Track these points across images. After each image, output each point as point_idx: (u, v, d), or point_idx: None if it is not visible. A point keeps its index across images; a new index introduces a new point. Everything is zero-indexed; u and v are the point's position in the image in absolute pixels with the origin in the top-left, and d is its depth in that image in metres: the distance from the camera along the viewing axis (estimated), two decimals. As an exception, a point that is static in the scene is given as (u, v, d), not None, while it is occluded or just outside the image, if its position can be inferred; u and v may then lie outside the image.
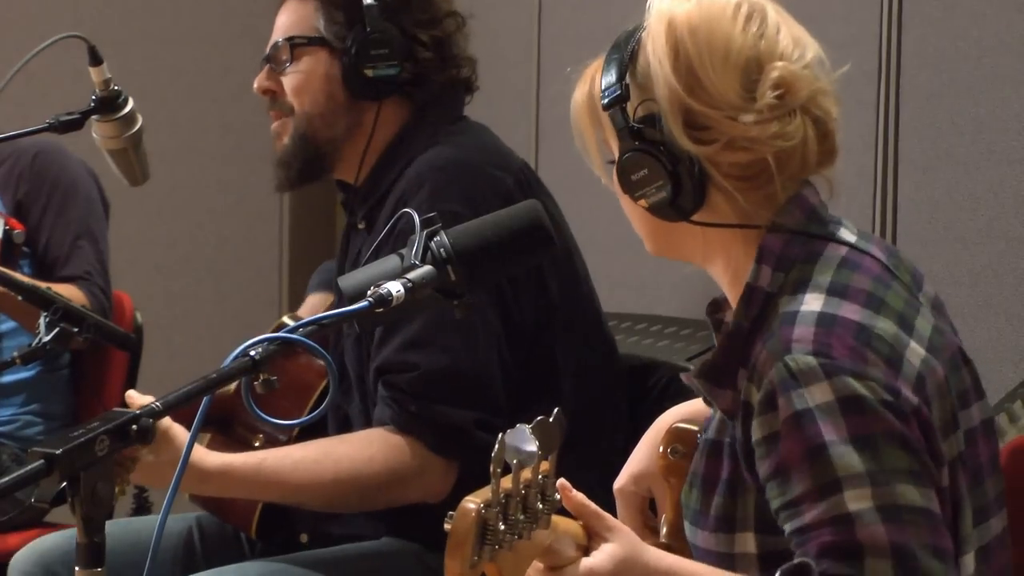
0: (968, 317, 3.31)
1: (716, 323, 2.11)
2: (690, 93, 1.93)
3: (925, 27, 3.44)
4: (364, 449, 2.65)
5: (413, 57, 2.78)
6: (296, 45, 2.82)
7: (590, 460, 2.69)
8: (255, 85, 2.89)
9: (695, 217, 1.96)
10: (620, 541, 1.89)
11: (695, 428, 2.11)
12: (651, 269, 4.02)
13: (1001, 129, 3.30)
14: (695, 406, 2.20)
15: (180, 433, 2.55)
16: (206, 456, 2.60)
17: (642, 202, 1.96)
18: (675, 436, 2.13)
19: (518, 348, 2.70)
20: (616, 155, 1.99)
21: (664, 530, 2.13)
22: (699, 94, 1.93)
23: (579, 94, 2.05)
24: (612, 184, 2.03)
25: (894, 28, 3.48)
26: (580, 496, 1.90)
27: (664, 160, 1.94)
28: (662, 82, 1.94)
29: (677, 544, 2.09)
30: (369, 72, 2.76)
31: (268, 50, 2.87)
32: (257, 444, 2.85)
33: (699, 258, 2.04)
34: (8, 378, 3.63)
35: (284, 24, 2.86)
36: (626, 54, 1.98)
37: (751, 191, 1.95)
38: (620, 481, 2.21)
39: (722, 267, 2.02)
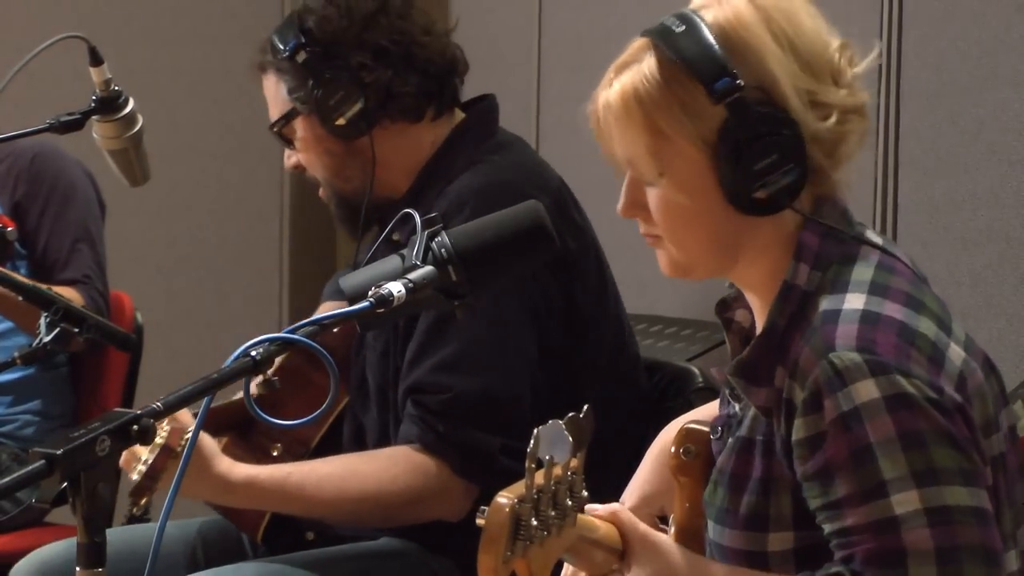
0: (968, 317, 3.30)
1: (726, 322, 2.10)
2: (804, 70, 1.93)
3: (925, 27, 3.44)
4: (389, 468, 2.66)
5: (367, 84, 2.77)
6: (281, 128, 2.87)
7: (603, 484, 2.69)
8: (286, 164, 2.95)
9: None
10: (656, 560, 1.92)
11: (706, 428, 2.11)
12: (651, 269, 4.00)
13: (1001, 129, 3.30)
14: (702, 413, 2.19)
15: (207, 444, 2.58)
16: (232, 468, 2.61)
17: (761, 192, 1.91)
18: (687, 436, 2.12)
19: (547, 372, 2.70)
20: (693, 155, 1.93)
21: (672, 529, 2.13)
22: (807, 70, 1.93)
23: (619, 112, 1.96)
24: (669, 195, 1.96)
25: (894, 28, 3.48)
26: (627, 517, 1.93)
27: (796, 141, 1.91)
28: (777, 61, 1.92)
29: (685, 545, 2.08)
30: (341, 120, 2.77)
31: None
32: (275, 453, 2.85)
33: (745, 262, 1.99)
34: (7, 377, 3.63)
35: (269, 102, 2.90)
36: (708, 43, 1.91)
37: (835, 168, 1.96)
38: (630, 500, 2.20)
39: (764, 266, 1.99)
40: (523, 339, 2.66)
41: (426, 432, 2.64)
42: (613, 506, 1.92)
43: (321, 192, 2.92)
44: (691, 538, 2.06)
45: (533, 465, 1.67)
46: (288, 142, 2.90)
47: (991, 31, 3.32)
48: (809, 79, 1.93)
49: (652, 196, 1.98)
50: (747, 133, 1.90)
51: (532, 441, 1.66)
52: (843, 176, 1.99)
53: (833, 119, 1.93)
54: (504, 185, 2.71)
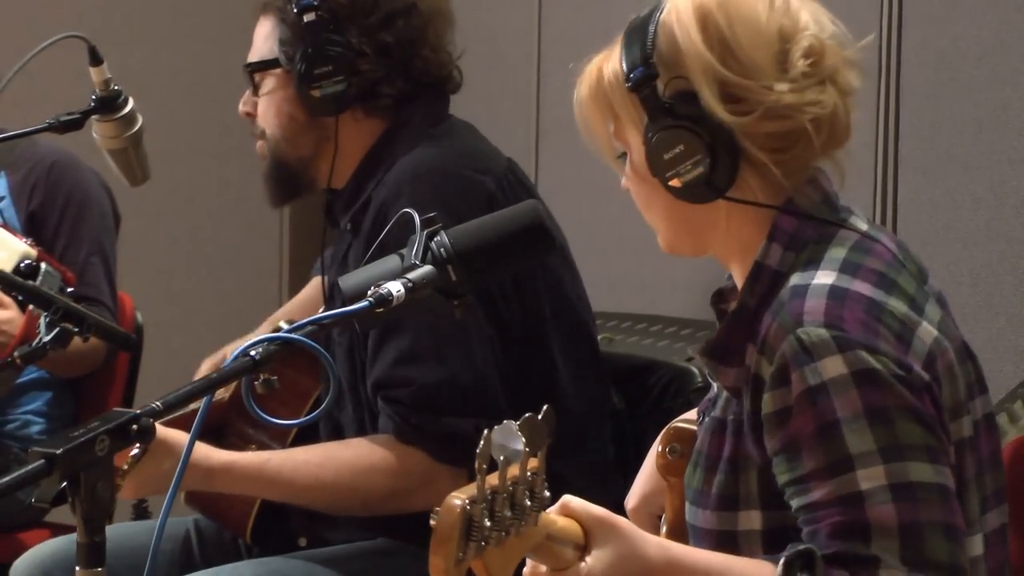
0: (968, 317, 3.30)
1: (720, 313, 2.11)
2: (724, 64, 1.93)
3: (925, 27, 3.44)
4: (365, 457, 2.65)
5: (356, 70, 2.75)
6: (255, 71, 2.84)
7: (584, 464, 2.69)
8: (239, 109, 2.91)
9: (729, 194, 1.95)
10: (615, 542, 1.88)
11: (694, 427, 2.11)
12: (651, 269, 4.02)
13: (1001, 129, 3.30)
14: (690, 415, 2.19)
15: (179, 437, 2.56)
16: (211, 453, 2.61)
17: (675, 181, 1.94)
18: (673, 435, 2.13)
19: (512, 350, 2.69)
20: (636, 141, 1.98)
21: (664, 529, 2.13)
22: (733, 65, 1.93)
23: (585, 89, 2.03)
24: (628, 177, 2.03)
25: (894, 28, 3.48)
26: (578, 504, 1.89)
27: (702, 133, 1.92)
28: (694, 56, 1.94)
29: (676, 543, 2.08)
30: (316, 93, 2.74)
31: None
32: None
33: (719, 244, 2.02)
34: (7, 378, 3.62)
35: (253, 46, 2.87)
36: (648, 34, 1.96)
37: (784, 163, 1.95)
38: (632, 501, 2.20)
39: (739, 252, 2.01)
40: (478, 319, 2.65)
41: (400, 424, 2.64)
42: (563, 498, 1.91)
43: (259, 146, 2.88)
44: (682, 537, 2.05)
45: (484, 466, 1.67)
46: (252, 87, 2.86)
47: (991, 31, 3.32)
48: (731, 74, 1.93)
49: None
50: (656, 123, 1.94)
51: (482, 442, 1.65)
52: (828, 163, 2.01)
53: (756, 114, 1.93)
54: (440, 170, 2.71)
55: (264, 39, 2.84)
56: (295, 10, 2.75)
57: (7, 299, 3.26)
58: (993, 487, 1.99)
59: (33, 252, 3.12)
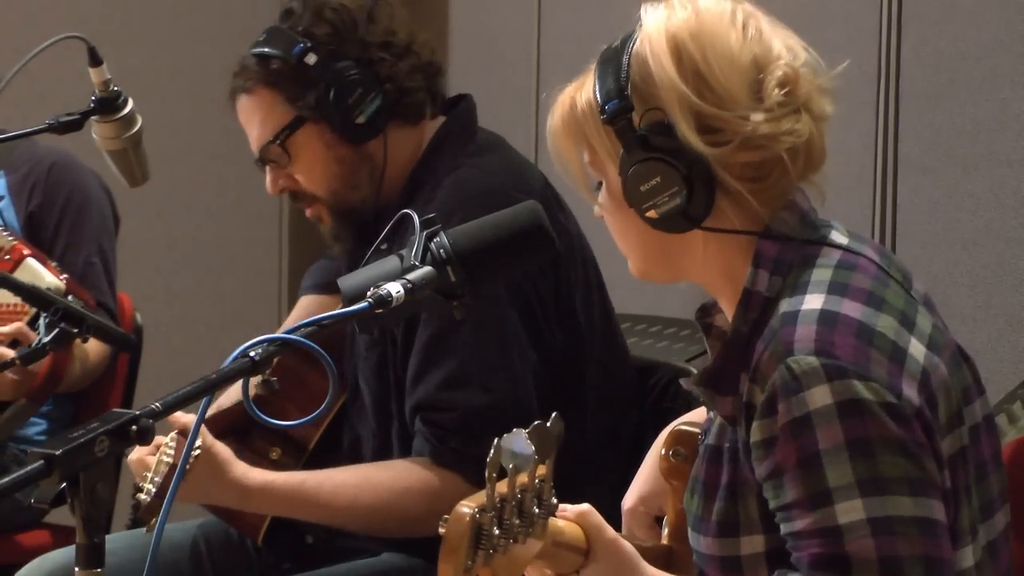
0: (967, 318, 3.30)
1: (706, 327, 2.12)
2: (699, 96, 1.92)
3: (925, 28, 3.44)
4: (401, 480, 2.66)
5: (382, 77, 2.75)
6: (284, 140, 2.80)
7: (599, 478, 2.69)
8: (269, 190, 2.87)
9: (705, 224, 1.95)
10: (609, 560, 1.89)
11: (696, 430, 2.11)
12: (651, 270, 4.01)
13: (1000, 130, 3.30)
14: (697, 416, 2.19)
15: (222, 450, 2.58)
16: (248, 472, 2.61)
17: (651, 213, 1.94)
18: (677, 438, 2.13)
19: (551, 373, 2.70)
20: (612, 172, 1.98)
21: (666, 531, 2.13)
22: (708, 96, 1.93)
23: (558, 119, 2.03)
24: (603, 205, 2.03)
25: (894, 29, 3.48)
26: (584, 510, 1.90)
27: (678, 166, 1.92)
28: (669, 87, 1.93)
29: (678, 546, 2.09)
30: (360, 119, 2.74)
31: (258, 155, 2.85)
32: (274, 456, 2.85)
33: (696, 271, 2.02)
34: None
35: (257, 124, 2.84)
36: (622, 66, 1.96)
37: (760, 192, 1.95)
38: (629, 501, 2.21)
39: (721, 278, 2.01)
40: (523, 346, 2.66)
41: (438, 448, 2.64)
42: (582, 507, 1.91)
43: (312, 211, 2.85)
44: (684, 540, 2.06)
45: (494, 474, 1.67)
46: (279, 162, 2.82)
47: (990, 32, 3.32)
48: (707, 105, 1.93)
49: None
50: (631, 155, 1.94)
51: (492, 450, 1.66)
52: (809, 184, 2.00)
53: (733, 144, 1.92)
54: (490, 190, 2.70)
55: (270, 110, 2.82)
56: (294, 61, 2.74)
57: (32, 335, 3.26)
58: (998, 488, 1.99)
59: (62, 285, 3.15)
